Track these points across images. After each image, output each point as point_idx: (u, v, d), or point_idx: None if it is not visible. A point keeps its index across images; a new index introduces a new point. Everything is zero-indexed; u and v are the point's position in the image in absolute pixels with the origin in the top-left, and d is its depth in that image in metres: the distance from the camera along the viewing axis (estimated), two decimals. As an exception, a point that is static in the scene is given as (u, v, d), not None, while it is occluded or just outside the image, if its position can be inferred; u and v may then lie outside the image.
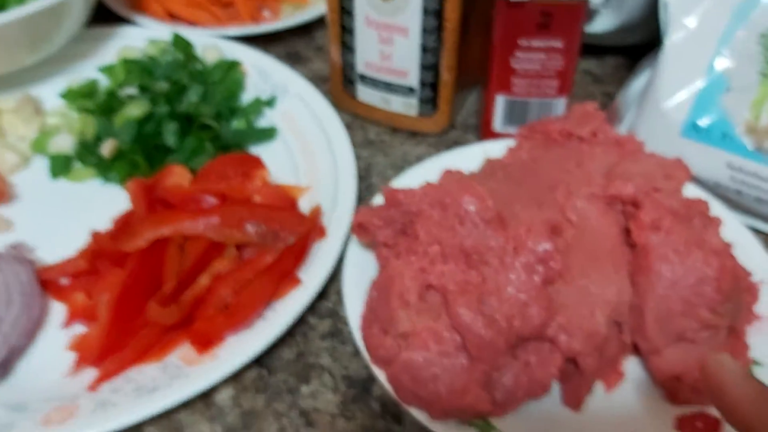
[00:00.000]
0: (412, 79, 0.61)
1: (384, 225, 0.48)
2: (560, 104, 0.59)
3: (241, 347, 0.46)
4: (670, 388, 0.47)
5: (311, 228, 0.51)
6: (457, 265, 0.45)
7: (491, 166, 0.53)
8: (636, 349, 0.48)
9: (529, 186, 0.50)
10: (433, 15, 0.57)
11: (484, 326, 0.42)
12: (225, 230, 0.50)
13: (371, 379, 0.48)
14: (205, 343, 0.46)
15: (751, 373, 0.32)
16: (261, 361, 0.49)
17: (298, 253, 0.50)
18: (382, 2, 0.57)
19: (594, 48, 0.73)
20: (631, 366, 0.49)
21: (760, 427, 0.30)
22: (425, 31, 0.58)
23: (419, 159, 0.64)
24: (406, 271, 0.45)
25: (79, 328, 0.49)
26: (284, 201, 0.54)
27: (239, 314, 0.47)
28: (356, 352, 0.50)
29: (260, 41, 0.73)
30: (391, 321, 0.44)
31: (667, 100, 0.57)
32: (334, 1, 0.59)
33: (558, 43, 0.55)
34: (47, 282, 0.51)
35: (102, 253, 0.50)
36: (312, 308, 0.52)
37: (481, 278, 0.44)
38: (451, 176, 0.55)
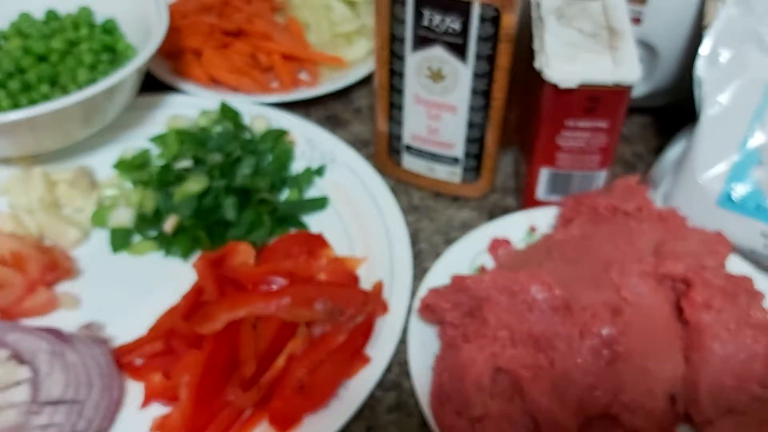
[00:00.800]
0: (458, 150, 0.64)
1: (451, 307, 0.50)
2: (602, 175, 0.62)
3: (317, 426, 0.49)
4: (722, 456, 0.50)
5: (376, 304, 0.54)
6: (526, 349, 0.47)
7: (546, 243, 0.56)
8: (688, 419, 0.51)
9: (584, 264, 0.53)
10: (481, 95, 0.59)
11: (558, 409, 0.45)
12: (295, 310, 0.52)
13: (439, 452, 0.51)
14: (285, 423, 0.49)
15: None
16: (334, 437, 0.51)
17: (365, 330, 0.52)
18: (432, 83, 0.60)
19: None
20: (684, 435, 0.52)
21: None
22: (473, 108, 0.61)
23: (463, 223, 0.66)
24: (479, 356, 0.47)
25: (157, 409, 0.51)
26: (346, 276, 0.56)
27: (316, 394, 0.49)
28: (422, 425, 0.52)
29: (300, 106, 0.75)
30: (466, 404, 0.47)
31: (703, 173, 0.60)
32: (384, 79, 0.62)
33: (603, 124, 0.57)
34: (123, 363, 0.52)
35: (177, 333, 0.52)
36: (377, 382, 0.54)
37: (549, 362, 0.47)
38: (503, 250, 0.58)
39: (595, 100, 0.56)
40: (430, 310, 0.52)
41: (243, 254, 0.57)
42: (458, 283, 0.49)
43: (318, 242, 0.58)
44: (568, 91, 0.56)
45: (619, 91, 0.56)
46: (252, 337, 0.51)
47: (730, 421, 0.50)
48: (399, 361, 0.56)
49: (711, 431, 0.50)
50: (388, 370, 0.55)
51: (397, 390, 0.54)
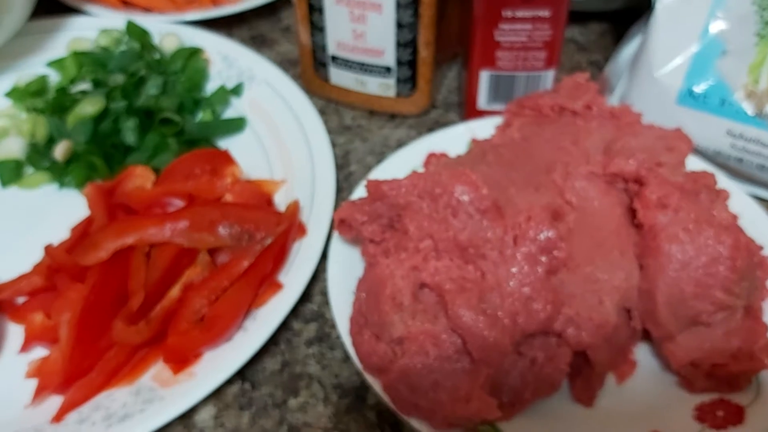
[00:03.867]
0: (389, 58, 0.57)
1: (369, 220, 0.44)
2: (548, 77, 0.55)
3: (220, 362, 0.42)
4: (686, 375, 0.44)
5: (290, 226, 0.47)
6: (453, 260, 0.41)
7: (480, 148, 0.49)
8: (647, 336, 0.45)
9: (523, 168, 0.46)
10: (408, -13, 0.52)
11: (486, 327, 0.38)
12: (195, 235, 0.46)
13: (365, 386, 0.45)
14: (181, 360, 0.42)
15: None
16: (243, 374, 0.45)
17: (277, 254, 0.46)
18: (351, -24, 0.53)
19: (576, 15, 0.69)
20: (643, 354, 0.45)
21: None
22: (400, 5, 0.53)
23: (400, 143, 0.60)
24: (397, 270, 0.41)
25: (40, 352, 0.45)
26: (258, 198, 0.50)
27: (216, 326, 0.43)
28: (347, 358, 0.46)
29: (222, 25, 0.68)
30: (383, 325, 0.40)
31: (660, 68, 0.54)
32: (300, -22, 0.55)
33: (545, 12, 0.51)
34: (1, 302, 0.46)
35: (60, 267, 0.45)
36: (295, 312, 0.48)
37: (479, 273, 0.40)
38: (437, 162, 0.51)
39: (532, -18, 0.49)
40: (346, 225, 0.45)
41: (139, 178, 0.50)
42: (374, 189, 0.43)
43: (223, 159, 0.51)
44: (502, -27, 0.49)
45: (560, -30, 0.49)
46: (144, 267, 0.45)
47: (693, 335, 0.44)
48: (322, 291, 0.49)
49: (672, 348, 0.44)
50: (309, 300, 0.49)
51: (318, 321, 0.48)
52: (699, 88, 0.53)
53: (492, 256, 0.40)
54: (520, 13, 0.51)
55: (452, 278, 0.40)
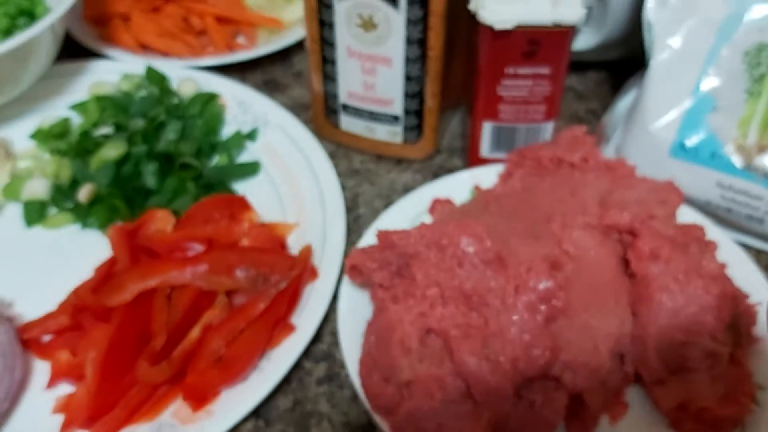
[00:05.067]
0: (397, 107, 0.60)
1: (379, 267, 0.47)
2: (548, 128, 0.58)
3: (237, 401, 0.45)
4: (674, 417, 0.46)
5: (303, 270, 0.50)
6: (458, 307, 0.44)
7: (483, 198, 0.52)
8: (639, 379, 0.48)
9: (524, 218, 0.49)
10: (417, 44, 0.55)
11: (489, 372, 0.41)
12: (214, 278, 0.48)
13: (372, 425, 0.47)
14: (200, 399, 0.45)
15: None
16: (257, 411, 0.47)
17: (290, 297, 0.49)
18: (364, 32, 0.56)
19: (575, 64, 0.72)
20: (635, 396, 0.48)
21: None
22: (409, 60, 0.57)
23: (406, 186, 0.62)
24: (406, 316, 0.44)
25: (65, 388, 0.47)
26: (272, 241, 0.52)
27: (234, 367, 0.45)
28: (355, 397, 0.48)
29: (236, 70, 0.71)
30: (392, 368, 0.43)
31: (654, 121, 0.57)
32: (315, 32, 0.58)
33: (545, 70, 0.54)
34: (28, 340, 0.48)
35: (85, 307, 0.48)
36: (306, 352, 0.50)
37: (482, 320, 0.43)
38: (443, 209, 0.54)
39: (534, 43, 0.52)
40: (357, 271, 0.48)
41: (160, 221, 0.52)
42: (384, 239, 0.45)
43: (240, 205, 0.53)
44: (505, 34, 0.52)
45: (560, 32, 0.52)
46: (165, 308, 0.47)
47: (681, 379, 0.46)
48: (332, 331, 0.52)
49: (661, 391, 0.46)
50: (319, 340, 0.51)
51: (328, 361, 0.50)
52: (691, 142, 0.56)
53: (495, 304, 0.43)
54: (521, 70, 0.54)
55: (457, 324, 0.43)
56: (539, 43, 0.52)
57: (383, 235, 0.45)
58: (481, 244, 0.43)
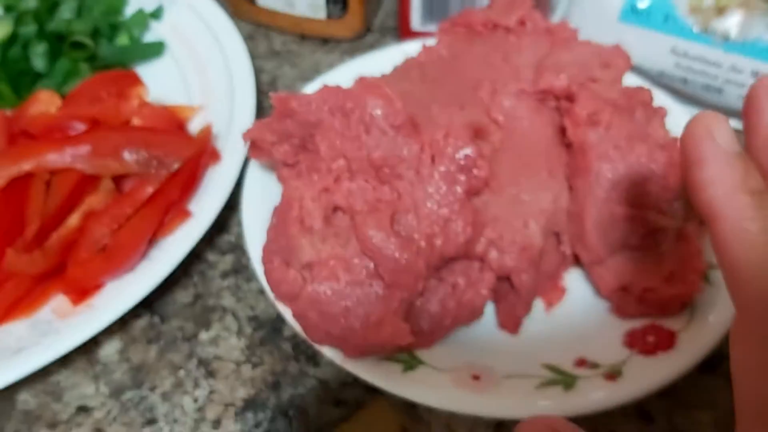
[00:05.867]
0: (316, -25, 0.53)
1: (280, 140, 0.41)
2: (484, -6, 0.52)
3: (122, 293, 0.40)
4: (616, 300, 0.42)
5: (201, 151, 0.44)
6: (368, 181, 0.38)
7: (405, 67, 0.46)
8: (578, 261, 0.43)
9: (448, 85, 0.44)
10: None
11: (398, 248, 0.36)
12: (98, 161, 0.43)
13: (281, 318, 0.42)
14: (81, 292, 0.40)
15: (743, 154, 0.26)
16: (152, 307, 0.42)
17: (186, 181, 0.43)
18: None
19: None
20: (573, 280, 0.43)
21: (732, 212, 0.24)
22: None
23: (332, 67, 0.56)
24: (307, 192, 0.38)
25: (-66, 287, 0.42)
26: (170, 123, 0.47)
27: (118, 255, 0.40)
28: (263, 290, 0.43)
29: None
30: (292, 250, 0.38)
31: (602, -18, 0.51)
32: None
33: None
34: None
35: (-47, 197, 0.42)
36: (211, 243, 0.45)
37: (395, 194, 0.38)
38: (360, 81, 0.48)
39: None
40: (257, 148, 0.42)
41: (44, 103, 0.46)
42: (282, 105, 0.39)
43: (130, 81, 0.47)
44: None
45: None
46: (43, 195, 0.42)
47: (624, 258, 0.42)
48: (239, 222, 0.46)
49: (601, 272, 0.42)
50: (227, 231, 0.46)
51: (236, 253, 0.45)
52: (642, 4, 0.50)
53: (408, 176, 0.38)
54: None
55: (366, 200, 0.38)
56: None
57: (280, 100, 0.39)
58: (390, 106, 0.38)
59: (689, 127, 0.27)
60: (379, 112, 0.38)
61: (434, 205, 0.37)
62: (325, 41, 0.58)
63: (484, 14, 0.48)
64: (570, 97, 0.43)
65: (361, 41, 0.59)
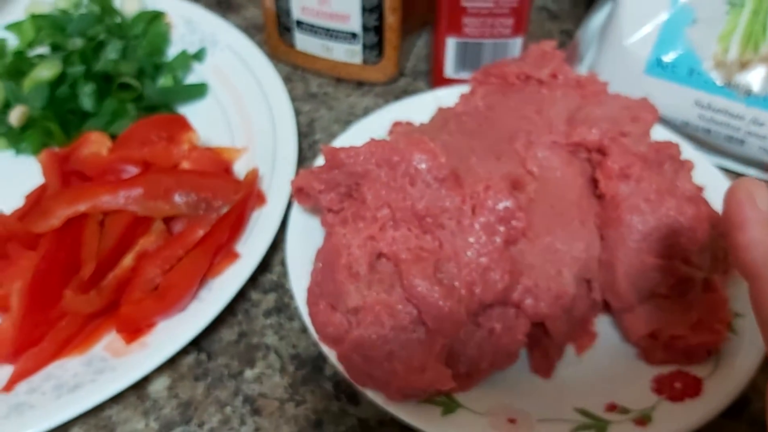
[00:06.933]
0: (354, 23, 0.56)
1: (326, 188, 0.43)
2: (516, 45, 0.54)
3: (174, 332, 0.42)
4: (645, 347, 0.44)
5: (247, 194, 0.46)
6: (410, 230, 0.40)
7: (443, 116, 0.48)
8: (607, 308, 0.45)
9: (485, 137, 0.46)
10: (373, -50, 0.51)
11: (442, 296, 0.38)
12: (150, 203, 0.45)
13: (323, 357, 0.44)
14: (133, 330, 0.41)
15: None
16: (199, 345, 0.44)
17: (234, 223, 0.45)
18: (314, -63, 0.51)
19: (549, -17, 0.68)
20: (603, 325, 0.45)
21: None
22: (365, -31, 0.52)
23: (367, 111, 0.59)
24: (354, 240, 0.40)
25: (-9, 321, 0.44)
26: (217, 166, 0.49)
27: (170, 296, 0.42)
28: (305, 329, 0.45)
29: (186, -11, 0.66)
30: (339, 295, 0.40)
31: (629, 36, 0.53)
32: (262, -61, 0.53)
33: (512, -23, 0.49)
34: (-48, 271, 0.45)
35: (12, 235, 0.44)
36: (254, 282, 0.47)
37: (437, 243, 0.40)
38: (399, 129, 0.50)
39: (499, -54, 0.48)
40: (304, 194, 0.44)
41: (95, 144, 0.48)
42: (331, 156, 0.42)
43: (180, 125, 0.49)
44: (468, -64, 0.47)
45: (527, -66, 0.47)
46: (97, 236, 0.44)
47: (652, 306, 0.43)
48: (282, 261, 0.48)
49: (631, 319, 0.44)
50: (268, 270, 0.48)
51: (278, 292, 0.47)
52: (668, 58, 0.52)
53: (450, 226, 0.40)
54: (487, -22, 0.50)
55: (409, 248, 0.40)
56: (505, -54, 0.48)
57: (330, 152, 0.41)
58: (434, 160, 0.40)
59: (731, 192, 0.29)
60: (424, 165, 0.40)
61: (474, 254, 0.39)
62: (359, 84, 0.60)
63: (518, 66, 0.50)
64: (602, 151, 0.45)
65: (394, 85, 0.61)
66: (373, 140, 0.41)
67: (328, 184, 0.43)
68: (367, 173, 0.41)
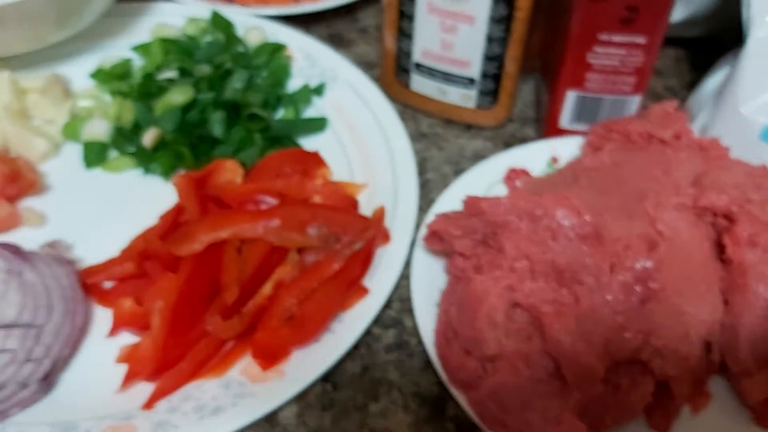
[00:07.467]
0: (474, 70, 0.57)
1: (463, 235, 0.44)
2: (634, 102, 0.55)
3: (308, 362, 0.43)
4: (760, 411, 0.44)
5: (377, 232, 0.48)
6: (548, 282, 0.41)
7: (572, 170, 0.50)
8: (724, 370, 0.46)
9: (616, 194, 0.47)
10: (504, 3, 0.52)
11: (583, 352, 0.39)
12: (286, 233, 0.46)
13: (443, 397, 0.45)
14: (270, 357, 0.43)
15: None
16: (325, 375, 0.45)
17: (364, 259, 0.46)
18: (449, -13, 0.53)
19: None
20: (719, 387, 0.46)
21: None
22: (493, 20, 0.54)
23: (476, 153, 0.60)
24: (493, 288, 0.41)
25: (126, 338, 0.45)
26: (344, 201, 0.50)
27: (307, 327, 0.43)
28: (425, 367, 0.46)
29: (299, 22, 0.68)
30: (476, 342, 0.41)
31: (747, 102, 0.54)
32: (395, -15, 0.55)
33: (641, 39, 0.51)
34: (90, 286, 0.47)
35: (151, 255, 0.46)
36: (375, 317, 0.48)
37: (573, 298, 0.41)
38: (522, 179, 0.52)
39: (633, 9, 0.49)
40: (437, 238, 0.46)
41: (229, 172, 0.50)
42: (472, 205, 0.43)
43: (314, 161, 0.51)
44: (604, -1, 0.49)
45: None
46: (236, 262, 0.45)
47: (772, 373, 0.44)
48: (400, 297, 0.50)
49: (749, 384, 0.44)
50: (388, 306, 0.49)
51: (397, 328, 0.49)
52: (783, 126, 0.53)
53: (588, 282, 0.41)
54: (616, 38, 0.51)
55: (546, 300, 0.41)
56: (638, 9, 0.50)
57: (472, 202, 0.43)
58: (578, 217, 0.41)
59: None
60: (567, 222, 0.41)
61: (611, 311, 0.41)
62: (468, 127, 0.62)
63: (641, 125, 0.51)
64: (729, 216, 0.46)
65: (503, 129, 0.62)
66: (515, 191, 0.43)
67: (465, 231, 0.44)
68: (506, 224, 0.43)
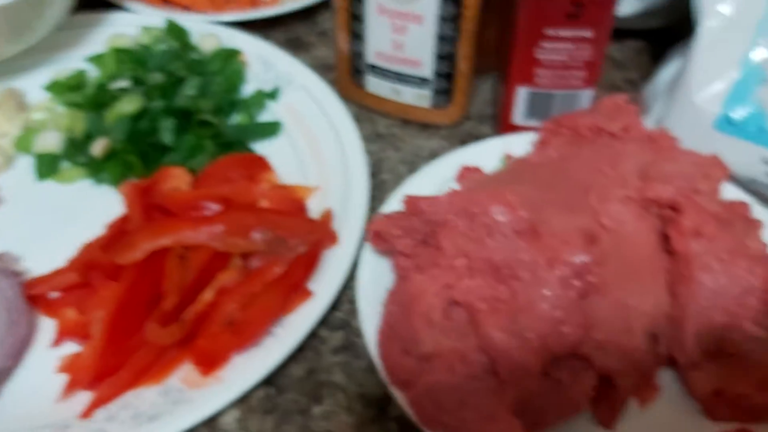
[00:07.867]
0: (426, 69, 0.57)
1: (403, 234, 0.44)
2: (586, 96, 0.55)
3: (249, 367, 0.43)
4: (708, 403, 0.44)
5: (323, 235, 0.47)
6: (485, 280, 0.41)
7: (517, 166, 0.49)
8: (671, 362, 0.45)
9: (559, 188, 0.46)
10: (452, 2, 0.52)
11: (517, 348, 0.39)
12: (230, 239, 0.46)
13: (388, 398, 0.45)
14: (210, 363, 0.43)
15: None
16: (268, 379, 0.45)
17: (308, 262, 0.46)
18: (395, -13, 0.53)
19: (614, 32, 0.68)
20: (667, 379, 0.45)
21: None
22: (442, 19, 0.53)
23: (432, 153, 0.60)
24: (430, 287, 0.41)
25: (71, 348, 0.45)
26: (292, 204, 0.50)
27: (247, 331, 0.43)
28: (371, 368, 0.46)
29: (258, 27, 0.68)
30: (413, 341, 0.41)
31: (699, 92, 0.54)
32: (343, -14, 0.55)
33: (588, 33, 0.51)
34: (35, 296, 0.47)
35: (95, 264, 0.46)
36: (322, 320, 0.48)
37: (511, 294, 0.41)
38: (472, 177, 0.51)
39: (578, 4, 0.49)
40: (380, 239, 0.45)
41: (176, 179, 0.50)
42: (411, 205, 0.43)
43: (259, 165, 0.51)
44: (547, -7, 0.49)
45: (605, -8, 0.49)
46: (178, 269, 0.45)
47: (719, 364, 0.44)
48: (350, 299, 0.49)
49: (696, 376, 0.44)
50: (336, 308, 0.49)
51: (345, 330, 0.48)
52: (737, 115, 0.53)
53: (525, 278, 0.41)
54: (563, 33, 0.51)
55: (484, 298, 0.41)
56: (583, 3, 0.49)
57: (411, 201, 0.43)
58: (513, 213, 0.41)
59: None
60: (503, 218, 0.41)
61: (548, 306, 0.40)
62: (425, 126, 0.62)
63: (590, 119, 0.51)
64: (675, 207, 0.45)
65: (459, 128, 0.62)
66: (453, 191, 0.43)
67: (406, 231, 0.44)
68: (445, 222, 0.42)
